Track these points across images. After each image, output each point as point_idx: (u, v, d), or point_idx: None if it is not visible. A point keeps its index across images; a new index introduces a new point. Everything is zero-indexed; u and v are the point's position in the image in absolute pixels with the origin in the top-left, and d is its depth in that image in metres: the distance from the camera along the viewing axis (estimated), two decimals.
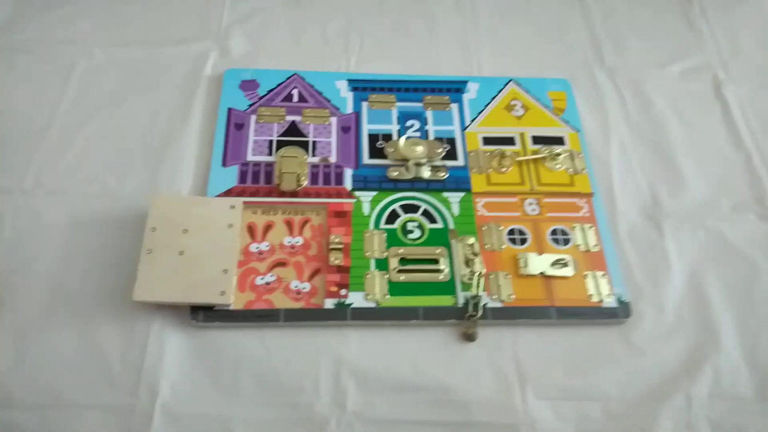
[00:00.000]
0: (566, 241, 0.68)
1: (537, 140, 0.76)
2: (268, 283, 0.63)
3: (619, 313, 0.64)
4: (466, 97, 0.80)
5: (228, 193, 0.68)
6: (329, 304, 0.62)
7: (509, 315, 0.63)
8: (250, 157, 0.71)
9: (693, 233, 0.71)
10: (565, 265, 0.66)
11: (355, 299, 0.62)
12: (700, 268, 0.68)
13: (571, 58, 0.87)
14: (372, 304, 0.62)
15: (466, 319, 0.62)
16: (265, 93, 0.77)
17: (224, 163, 0.70)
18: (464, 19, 0.91)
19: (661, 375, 0.61)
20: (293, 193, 0.69)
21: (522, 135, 0.77)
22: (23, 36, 0.82)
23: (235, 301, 0.61)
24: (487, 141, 0.76)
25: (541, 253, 0.67)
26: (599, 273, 0.66)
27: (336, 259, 0.64)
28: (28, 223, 0.66)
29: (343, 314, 0.61)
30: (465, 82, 0.81)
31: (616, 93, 0.83)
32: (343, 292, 0.62)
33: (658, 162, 0.77)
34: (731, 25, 0.93)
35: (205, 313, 0.59)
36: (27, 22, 0.83)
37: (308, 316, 0.61)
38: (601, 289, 0.65)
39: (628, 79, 0.85)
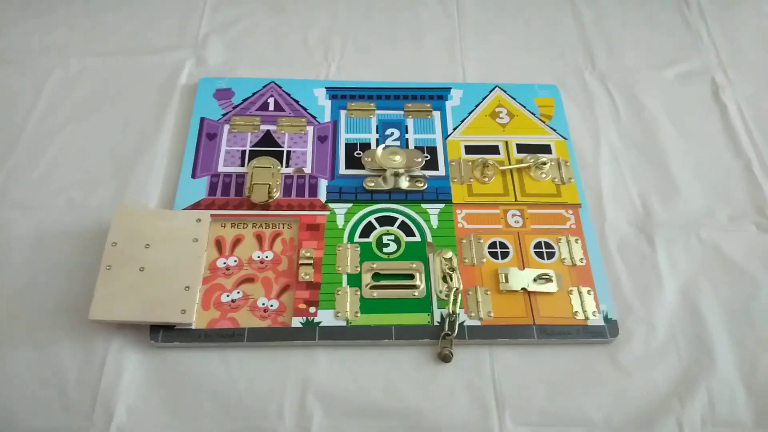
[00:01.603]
0: (551, 255, 0.65)
1: (522, 149, 0.73)
2: (233, 301, 0.60)
3: (606, 331, 0.60)
4: (449, 104, 0.77)
5: (196, 205, 0.65)
6: (297, 322, 0.59)
7: (488, 334, 0.59)
8: (221, 168, 0.69)
9: (687, 246, 0.67)
10: (549, 280, 0.62)
11: (325, 317, 0.59)
12: (694, 283, 0.64)
13: (561, 62, 0.84)
14: (342, 323, 0.59)
15: (441, 338, 0.58)
16: (240, 102, 0.75)
17: (194, 175, 0.68)
18: (450, 24, 0.88)
19: (650, 399, 0.57)
20: (264, 206, 0.66)
21: (506, 143, 0.73)
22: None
23: (197, 319, 0.58)
24: (470, 150, 0.73)
25: (523, 267, 0.64)
26: (585, 289, 0.62)
27: (306, 274, 0.61)
28: None
29: (311, 333, 0.58)
30: (448, 89, 0.78)
31: (607, 98, 0.80)
32: (312, 309, 0.59)
33: (651, 170, 0.73)
34: (731, 27, 0.89)
35: (164, 333, 0.57)
36: (3, 32, 0.82)
37: (274, 335, 0.58)
38: (586, 306, 0.61)
39: (621, 83, 0.81)
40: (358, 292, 0.61)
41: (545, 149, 0.73)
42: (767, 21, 0.91)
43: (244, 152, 0.70)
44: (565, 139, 0.74)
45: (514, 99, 0.77)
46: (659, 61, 0.84)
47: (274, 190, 0.67)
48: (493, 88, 0.78)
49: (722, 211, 0.70)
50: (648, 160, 0.74)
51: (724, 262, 0.66)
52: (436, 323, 0.59)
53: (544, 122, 0.76)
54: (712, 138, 0.77)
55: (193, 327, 0.57)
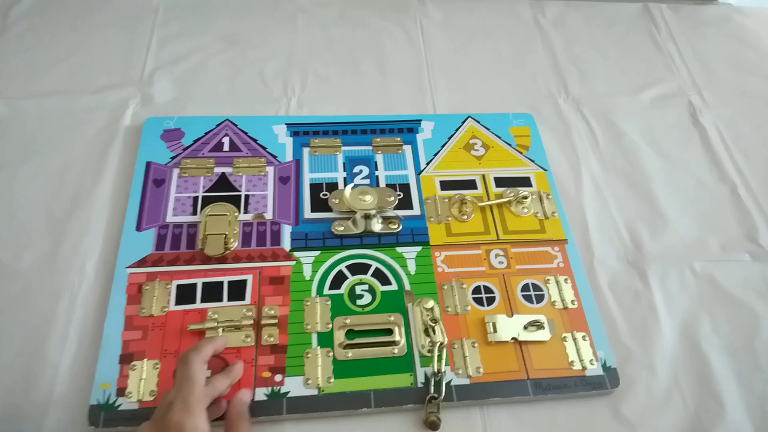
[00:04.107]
0: (540, 298, 0.59)
1: (500, 182, 0.68)
2: None
3: (606, 381, 0.54)
4: (421, 137, 0.71)
5: (142, 262, 0.58)
6: (261, 394, 0.51)
7: (478, 393, 0.53)
8: (171, 218, 0.61)
9: (681, 280, 0.63)
10: (541, 327, 0.57)
11: (293, 386, 0.52)
12: (692, 321, 0.60)
13: (534, 89, 0.80)
14: (313, 391, 0.52)
15: (427, 402, 0.52)
16: (191, 143, 0.68)
17: (139, 227, 0.60)
18: (417, 53, 0.83)
19: None
20: (220, 259, 0.59)
21: (483, 177, 0.68)
22: None
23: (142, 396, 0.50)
24: (445, 185, 0.67)
25: (512, 314, 0.58)
26: (580, 334, 0.57)
27: (270, 336, 0.54)
28: None
29: (277, 407, 0.51)
30: (418, 121, 0.73)
31: (584, 125, 0.76)
32: (278, 378, 0.52)
33: (636, 199, 0.69)
34: (700, 48, 0.88)
35: (106, 416, 0.48)
36: None
37: None
38: (582, 354, 0.56)
39: (597, 109, 0.78)
40: (331, 354, 0.54)
41: (525, 182, 0.68)
42: (733, 42, 0.90)
43: (196, 199, 0.63)
44: (545, 170, 0.70)
45: (488, 129, 0.73)
46: (634, 85, 0.82)
47: (231, 240, 0.60)
48: (466, 119, 0.74)
49: (714, 240, 0.66)
50: (632, 189, 0.70)
51: (722, 295, 0.62)
52: (420, 384, 0.53)
53: (521, 153, 0.71)
54: (694, 162, 0.74)
55: (137, 408, 0.49)
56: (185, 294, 0.56)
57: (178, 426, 0.41)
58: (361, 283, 0.59)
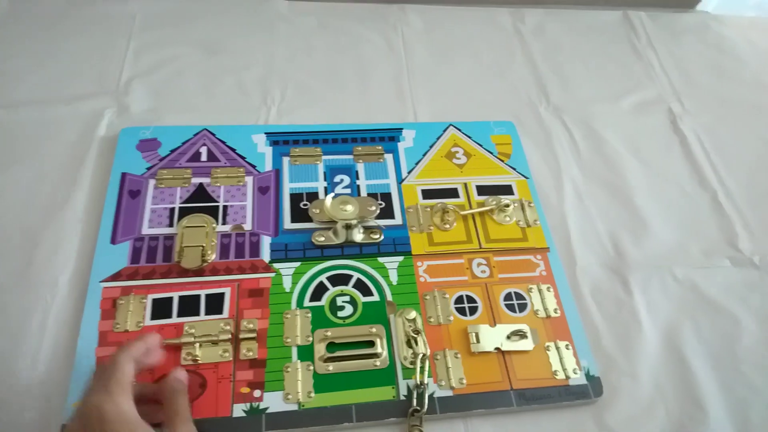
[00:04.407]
0: (523, 307, 0.59)
1: (483, 190, 0.68)
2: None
3: (590, 391, 0.54)
4: (402, 145, 0.71)
5: (117, 276, 0.56)
6: (239, 410, 0.50)
7: (461, 405, 0.52)
8: (146, 230, 0.60)
9: (663, 286, 0.63)
10: (524, 336, 0.56)
11: (272, 402, 0.50)
12: (675, 328, 0.60)
13: (514, 97, 0.80)
14: (293, 407, 0.50)
15: (410, 415, 0.51)
16: (168, 153, 0.66)
17: (114, 240, 0.59)
18: (397, 61, 0.83)
19: None
20: (197, 271, 0.57)
21: (465, 185, 0.68)
22: None
23: None
24: (427, 194, 0.67)
25: (494, 324, 0.57)
26: (563, 343, 0.57)
27: (249, 351, 0.53)
28: None
29: (256, 424, 0.49)
30: (400, 130, 0.72)
31: (565, 133, 0.76)
32: (256, 393, 0.51)
33: (617, 207, 0.69)
34: (680, 55, 0.88)
35: None
36: None
37: (209, 429, 0.48)
38: (566, 363, 0.55)
39: (577, 117, 0.78)
40: (311, 367, 0.53)
41: (507, 190, 0.68)
42: (711, 50, 0.91)
43: (172, 210, 0.62)
44: (527, 178, 0.69)
45: (469, 137, 0.73)
46: (614, 93, 0.82)
47: (209, 252, 0.59)
48: (447, 127, 0.73)
49: (694, 246, 0.66)
50: (613, 197, 0.70)
51: (703, 301, 0.62)
52: (402, 397, 0.52)
53: (502, 161, 0.71)
54: (675, 169, 0.74)
55: None
56: (161, 308, 0.55)
57: (98, 409, 0.38)
58: (342, 294, 0.58)
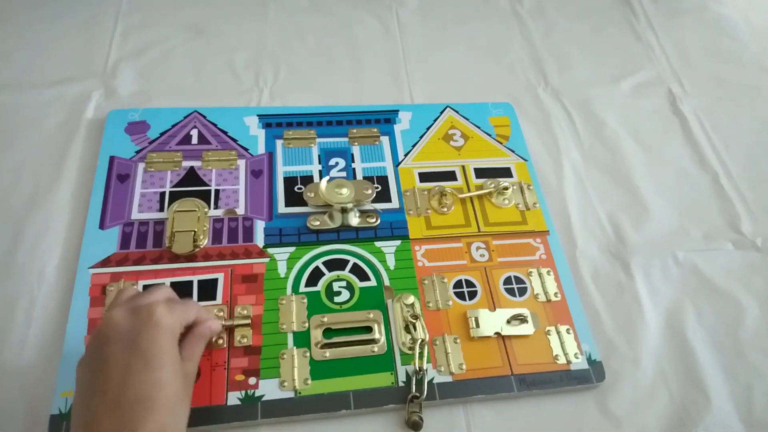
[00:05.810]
0: (522, 291, 0.58)
1: (481, 173, 0.66)
2: None
3: (592, 375, 0.53)
4: (398, 128, 0.69)
5: (106, 262, 0.55)
6: (234, 398, 0.48)
7: (461, 391, 0.51)
8: (136, 215, 0.58)
9: (665, 270, 0.62)
10: (524, 321, 0.55)
11: (268, 389, 0.49)
12: (677, 312, 0.59)
13: (512, 79, 0.78)
14: (289, 394, 0.49)
15: (409, 401, 0.50)
16: (158, 136, 0.64)
17: (102, 225, 0.57)
18: (392, 42, 0.81)
19: None
20: (189, 257, 0.56)
21: (463, 168, 0.67)
22: None
23: None
24: (424, 177, 0.65)
25: (494, 308, 0.56)
26: (564, 327, 0.56)
27: (243, 337, 0.52)
28: None
29: (251, 411, 0.48)
30: (396, 112, 0.71)
31: (564, 115, 0.75)
32: (252, 381, 0.49)
33: (617, 190, 0.68)
34: (679, 36, 0.87)
35: (68, 424, 0.45)
36: None
37: (203, 418, 0.47)
38: (567, 348, 0.54)
39: (576, 99, 0.77)
40: (307, 354, 0.52)
41: (505, 173, 0.67)
42: (710, 30, 0.89)
43: (163, 194, 0.60)
44: (525, 160, 0.68)
45: (467, 119, 0.71)
46: (613, 74, 0.80)
47: (201, 237, 0.57)
48: (444, 109, 0.72)
49: (696, 229, 0.65)
50: (613, 179, 0.69)
51: (705, 285, 0.61)
52: (401, 383, 0.51)
53: (501, 143, 0.69)
54: (675, 151, 0.73)
55: None
56: None
57: (150, 308, 0.41)
58: (338, 279, 0.57)
